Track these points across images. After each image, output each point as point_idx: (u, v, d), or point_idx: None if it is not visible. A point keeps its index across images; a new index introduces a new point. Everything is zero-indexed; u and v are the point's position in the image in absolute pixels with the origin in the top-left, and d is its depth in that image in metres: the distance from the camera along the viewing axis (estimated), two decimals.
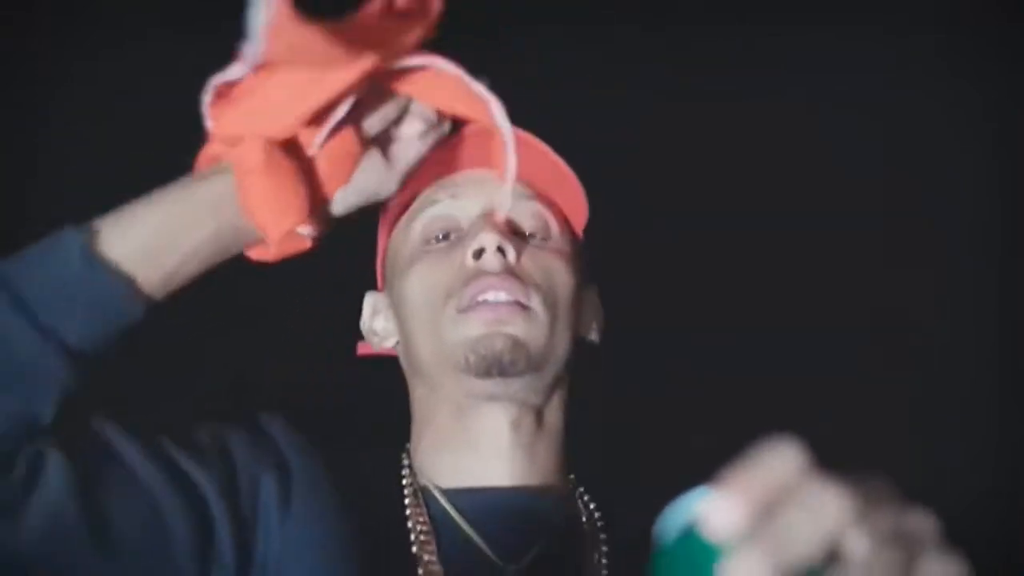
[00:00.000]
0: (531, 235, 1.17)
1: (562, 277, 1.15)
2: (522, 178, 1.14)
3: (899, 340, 1.75)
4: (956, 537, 1.74)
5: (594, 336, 1.23)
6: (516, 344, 1.10)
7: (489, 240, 1.12)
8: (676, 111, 1.80)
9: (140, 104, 1.72)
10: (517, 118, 1.07)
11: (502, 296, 1.11)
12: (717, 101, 1.78)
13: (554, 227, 1.18)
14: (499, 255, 1.12)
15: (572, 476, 1.20)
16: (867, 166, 1.79)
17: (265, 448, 1.11)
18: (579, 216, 1.21)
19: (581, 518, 1.16)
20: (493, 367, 1.09)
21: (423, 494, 1.13)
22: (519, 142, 1.07)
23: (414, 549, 1.08)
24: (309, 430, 1.18)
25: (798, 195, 1.73)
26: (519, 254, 1.13)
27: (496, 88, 1.03)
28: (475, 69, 1.03)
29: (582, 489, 1.19)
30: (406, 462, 1.17)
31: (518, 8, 1.71)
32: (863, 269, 1.77)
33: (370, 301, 1.25)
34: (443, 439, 1.16)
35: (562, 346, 1.14)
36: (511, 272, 1.12)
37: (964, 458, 1.71)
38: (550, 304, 1.13)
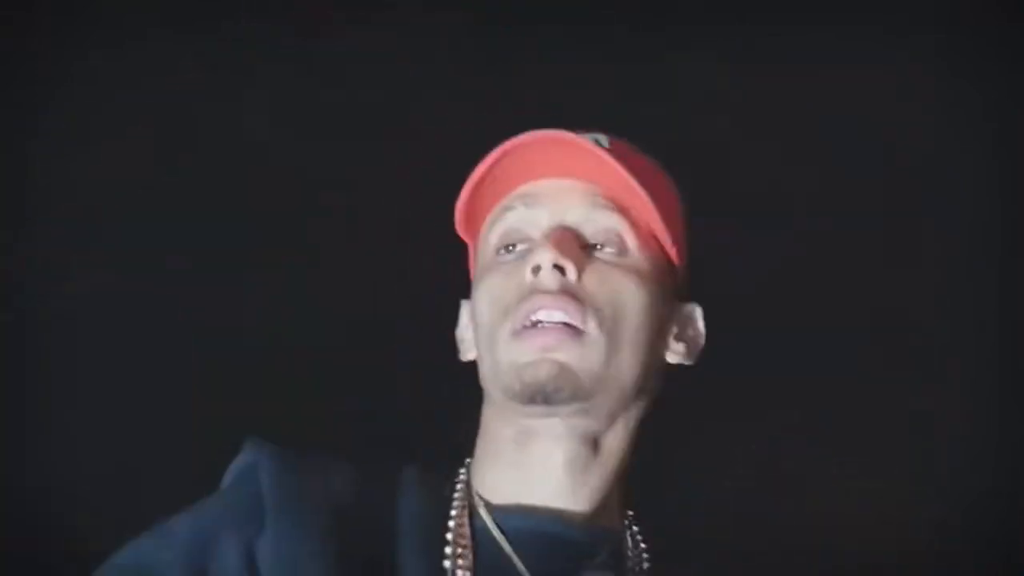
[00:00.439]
0: (602, 248, 1.11)
1: (632, 297, 1.08)
2: (600, 186, 1.10)
3: (899, 340, 1.75)
4: (956, 537, 1.74)
5: (682, 359, 1.14)
6: (563, 371, 1.06)
7: (546, 257, 1.07)
8: (676, 111, 1.80)
9: (140, 104, 1.72)
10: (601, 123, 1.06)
11: (556, 316, 1.07)
12: (716, 101, 1.78)
13: (631, 241, 1.10)
14: (556, 273, 1.08)
15: (631, 513, 1.15)
16: (867, 166, 1.78)
17: (238, 508, 1.08)
18: (667, 230, 1.11)
19: (627, 555, 1.12)
20: (537, 395, 1.06)
21: (472, 509, 1.11)
22: (601, 151, 1.07)
23: (447, 564, 1.06)
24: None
25: (798, 195, 1.73)
26: (582, 271, 1.08)
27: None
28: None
29: (636, 529, 1.14)
30: (463, 475, 1.14)
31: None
32: (863, 269, 1.77)
33: (465, 309, 1.22)
34: (498, 456, 1.13)
35: (627, 372, 1.08)
36: (568, 292, 1.07)
37: (964, 458, 1.71)
38: (611, 326, 1.07)
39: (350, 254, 1.74)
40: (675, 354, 1.13)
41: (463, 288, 1.18)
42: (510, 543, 1.08)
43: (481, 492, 1.11)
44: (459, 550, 1.07)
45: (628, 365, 1.08)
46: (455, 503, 1.11)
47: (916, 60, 1.76)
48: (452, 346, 1.17)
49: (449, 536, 1.08)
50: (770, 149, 1.76)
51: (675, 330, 1.13)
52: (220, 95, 1.73)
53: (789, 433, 1.74)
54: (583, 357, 1.06)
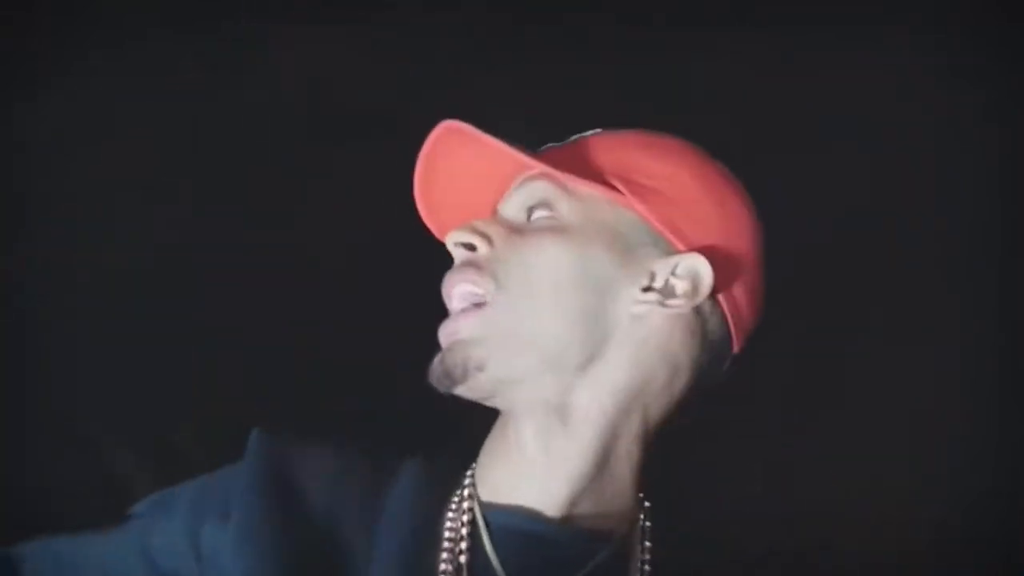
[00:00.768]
0: (533, 218, 1.12)
1: (543, 253, 1.08)
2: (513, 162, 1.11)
3: (899, 340, 1.75)
4: (956, 537, 1.74)
5: (659, 307, 1.08)
6: (465, 345, 1.08)
7: (448, 239, 1.12)
8: (676, 110, 1.80)
9: (139, 104, 1.73)
10: None
11: (457, 291, 1.09)
12: (715, 101, 1.78)
13: (560, 202, 1.10)
14: (460, 249, 1.11)
15: (644, 520, 1.12)
16: (867, 166, 1.79)
17: (212, 497, 1.12)
18: (600, 186, 1.10)
19: (634, 559, 1.10)
20: (444, 380, 1.08)
21: (469, 505, 1.11)
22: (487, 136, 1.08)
23: (441, 556, 1.08)
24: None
25: (799, 194, 1.73)
26: (494, 242, 1.10)
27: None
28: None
29: (648, 524, 1.11)
30: (470, 474, 1.14)
31: None
32: (863, 268, 1.77)
33: None
34: (490, 452, 1.14)
35: (550, 326, 1.06)
36: (468, 262, 1.10)
37: (964, 458, 1.71)
38: (515, 284, 1.07)
39: (352, 254, 1.74)
40: (643, 303, 1.08)
41: None
42: (491, 540, 1.07)
43: (480, 490, 1.11)
44: (447, 544, 1.08)
45: (541, 322, 1.07)
46: (455, 499, 1.11)
47: (916, 59, 1.76)
48: None
49: (446, 532, 1.08)
50: (770, 149, 1.76)
51: (644, 282, 1.08)
52: (221, 95, 1.73)
53: (788, 433, 1.74)
54: (486, 323, 1.07)
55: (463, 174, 1.14)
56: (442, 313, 1.13)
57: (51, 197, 1.69)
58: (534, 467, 1.08)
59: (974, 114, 1.75)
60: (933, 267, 1.76)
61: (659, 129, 1.70)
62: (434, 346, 1.13)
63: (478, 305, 1.08)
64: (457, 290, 1.10)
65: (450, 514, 1.10)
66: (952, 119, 1.74)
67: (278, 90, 1.76)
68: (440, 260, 1.18)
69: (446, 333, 1.09)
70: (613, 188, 1.09)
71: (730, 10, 1.77)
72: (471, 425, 1.15)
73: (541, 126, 1.21)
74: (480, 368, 1.06)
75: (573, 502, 1.08)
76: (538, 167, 1.09)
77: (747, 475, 1.71)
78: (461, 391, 1.08)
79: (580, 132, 1.17)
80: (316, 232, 1.75)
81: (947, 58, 1.76)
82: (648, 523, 1.11)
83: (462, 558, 1.07)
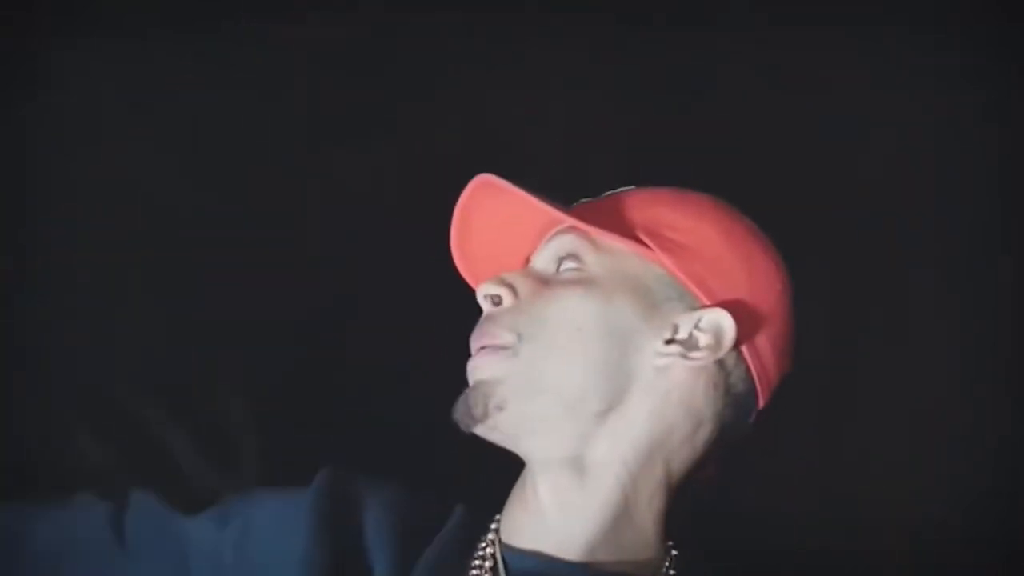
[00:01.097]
0: (561, 269, 1.15)
1: (563, 304, 1.11)
2: (545, 217, 1.15)
3: (899, 339, 1.75)
4: (956, 537, 1.73)
5: (680, 360, 1.10)
6: (483, 384, 1.11)
7: (479, 290, 1.15)
8: (678, 109, 1.80)
9: (139, 103, 1.72)
10: None
11: (478, 342, 1.13)
12: (714, 101, 1.78)
13: (588, 254, 1.13)
14: (487, 302, 1.14)
15: (674, 552, 1.13)
16: (867, 165, 1.79)
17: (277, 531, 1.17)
18: (625, 240, 1.13)
19: None
20: (466, 418, 1.11)
21: (492, 550, 1.14)
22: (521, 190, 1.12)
23: None
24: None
25: (801, 193, 1.73)
26: (519, 292, 1.14)
27: None
28: None
29: (673, 572, 1.12)
30: (497, 517, 1.17)
31: None
32: (863, 268, 1.77)
33: None
34: (513, 494, 1.17)
35: (565, 375, 1.09)
36: (491, 315, 1.13)
37: (964, 458, 1.71)
38: (533, 332, 1.10)
39: (352, 255, 1.74)
40: (666, 356, 1.10)
41: None
42: None
43: (503, 534, 1.14)
44: None
45: (561, 368, 1.09)
46: (482, 544, 1.14)
47: (916, 60, 1.76)
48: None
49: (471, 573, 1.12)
50: (772, 149, 1.77)
51: (667, 334, 1.11)
52: (221, 94, 1.73)
53: (788, 432, 1.74)
54: (509, 365, 1.10)
55: (497, 225, 1.17)
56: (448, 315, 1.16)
57: (51, 197, 1.68)
58: (551, 519, 1.11)
59: (974, 114, 1.75)
60: (933, 267, 1.76)
61: (657, 128, 1.71)
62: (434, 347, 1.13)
63: (503, 347, 1.11)
64: (478, 342, 1.13)
65: (475, 560, 1.12)
66: (952, 119, 1.74)
67: (277, 89, 1.76)
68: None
69: (470, 370, 1.13)
70: (641, 242, 1.12)
71: (728, 9, 1.77)
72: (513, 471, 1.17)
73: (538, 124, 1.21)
74: (500, 408, 1.09)
75: (592, 550, 1.10)
76: (567, 221, 1.13)
77: (743, 474, 1.71)
78: (481, 431, 1.11)
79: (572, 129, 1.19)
80: (317, 232, 1.75)
81: (947, 58, 1.76)
82: (673, 571, 1.13)
83: None
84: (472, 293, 1.19)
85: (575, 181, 1.23)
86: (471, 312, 1.18)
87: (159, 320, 1.68)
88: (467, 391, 1.11)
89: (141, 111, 1.70)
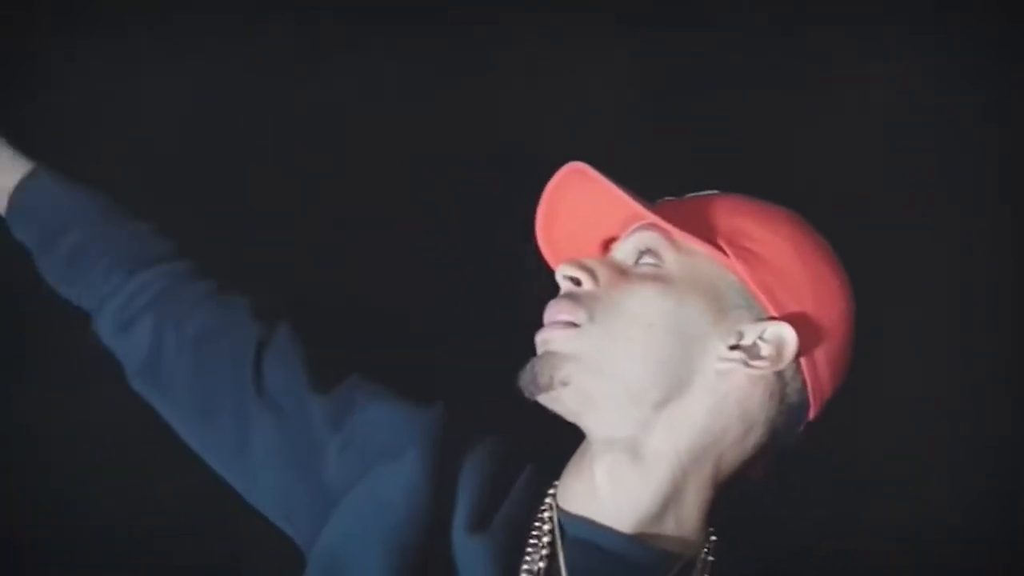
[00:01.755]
0: (640, 262, 1.19)
1: (639, 296, 1.15)
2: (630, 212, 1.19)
3: (900, 338, 1.75)
4: (956, 537, 1.73)
5: (739, 367, 1.14)
6: (550, 355, 1.15)
7: (557, 272, 1.20)
8: (677, 110, 1.80)
9: (140, 103, 1.72)
10: None
11: (552, 316, 1.17)
12: (714, 101, 1.78)
13: (666, 252, 1.17)
14: (567, 282, 1.19)
15: (712, 537, 1.18)
16: (868, 165, 1.79)
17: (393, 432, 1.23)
18: (704, 244, 1.17)
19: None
20: (531, 385, 1.15)
21: (550, 515, 1.19)
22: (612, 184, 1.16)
23: (524, 560, 1.16)
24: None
25: (799, 193, 1.73)
26: (598, 278, 1.18)
27: None
28: None
29: (711, 559, 1.17)
30: (556, 482, 1.22)
31: None
32: (864, 268, 1.76)
33: None
34: (571, 463, 1.22)
35: (628, 364, 1.14)
36: (570, 294, 1.18)
37: (964, 458, 1.71)
38: (605, 318, 1.15)
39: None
40: (728, 361, 1.14)
41: None
42: (565, 549, 1.16)
43: (561, 500, 1.19)
44: (530, 550, 1.16)
45: (628, 357, 1.14)
46: (542, 508, 1.19)
47: (916, 60, 1.76)
48: None
49: (531, 539, 1.17)
50: (774, 148, 1.77)
51: (732, 340, 1.15)
52: (220, 93, 1.73)
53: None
54: (567, 341, 1.15)
55: (580, 211, 1.22)
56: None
57: None
58: (603, 494, 1.16)
59: (974, 114, 1.75)
60: (934, 267, 1.76)
61: (659, 127, 1.71)
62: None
63: (569, 323, 1.16)
64: (553, 316, 1.18)
65: (536, 522, 1.18)
66: (952, 119, 1.75)
67: (276, 88, 1.77)
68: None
69: (540, 341, 1.17)
70: (718, 248, 1.16)
71: (729, 9, 1.77)
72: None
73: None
74: (565, 383, 1.14)
75: (639, 527, 1.16)
76: (653, 219, 1.16)
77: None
78: (544, 400, 1.16)
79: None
80: (318, 232, 1.75)
81: (947, 58, 1.76)
82: (711, 558, 1.17)
83: (540, 564, 1.15)
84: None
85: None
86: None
87: None
88: (534, 360, 1.16)
89: (141, 111, 1.70)
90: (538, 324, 1.18)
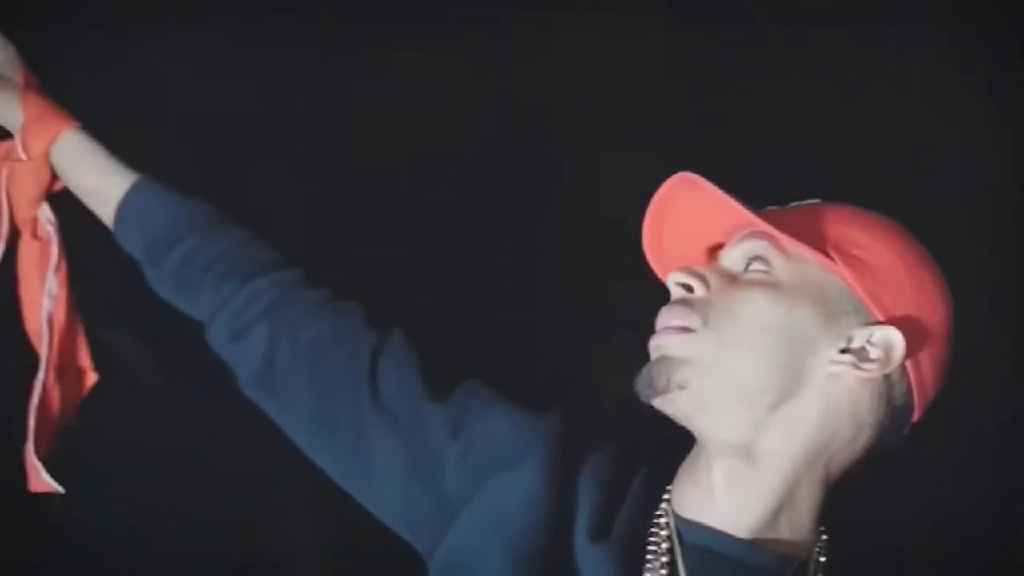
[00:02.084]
0: (749, 269, 1.22)
1: (750, 300, 1.19)
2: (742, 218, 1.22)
3: None
4: (956, 537, 1.72)
5: (850, 371, 1.18)
6: (666, 359, 1.18)
7: (669, 279, 1.22)
8: (677, 110, 1.81)
9: (140, 103, 1.73)
10: None
11: (666, 322, 1.20)
12: (714, 101, 1.78)
13: (776, 259, 1.21)
14: (679, 289, 1.22)
15: (823, 537, 1.22)
16: (869, 165, 1.79)
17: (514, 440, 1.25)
18: (814, 252, 1.20)
19: None
20: (647, 389, 1.18)
21: (667, 521, 1.21)
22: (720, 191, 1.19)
23: (645, 567, 1.19)
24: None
25: (799, 193, 1.73)
26: (710, 285, 1.21)
27: None
28: None
29: (824, 559, 1.21)
30: (670, 488, 1.24)
31: None
32: None
33: None
34: (684, 470, 1.24)
35: (741, 366, 1.17)
36: (683, 300, 1.21)
37: (964, 458, 1.72)
38: (718, 323, 1.18)
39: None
40: (839, 364, 1.18)
41: None
42: (684, 556, 1.19)
43: (675, 506, 1.22)
44: (650, 557, 1.19)
45: (742, 360, 1.17)
46: (657, 513, 1.22)
47: (916, 60, 1.77)
48: None
49: (650, 546, 1.20)
50: (771, 149, 1.77)
51: (842, 344, 1.18)
52: (219, 92, 1.73)
53: None
54: (693, 347, 1.18)
55: (687, 219, 1.25)
56: None
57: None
58: (720, 499, 1.19)
59: (974, 114, 1.76)
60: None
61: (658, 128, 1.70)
62: None
63: (683, 328, 1.19)
64: (666, 322, 1.20)
65: (652, 528, 1.21)
66: (953, 119, 1.75)
67: (275, 86, 1.77)
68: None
69: (654, 346, 1.20)
70: (826, 255, 1.19)
71: (731, 9, 1.77)
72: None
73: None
74: (682, 386, 1.17)
75: (755, 531, 1.19)
76: (765, 227, 1.19)
77: None
78: (660, 404, 1.19)
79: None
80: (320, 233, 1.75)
81: (947, 58, 1.76)
82: (823, 558, 1.21)
83: (662, 572, 1.18)
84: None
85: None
86: None
87: (160, 320, 1.68)
88: (650, 364, 1.19)
89: (141, 110, 1.70)
90: (643, 327, 1.20)
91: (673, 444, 1.24)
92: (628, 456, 1.27)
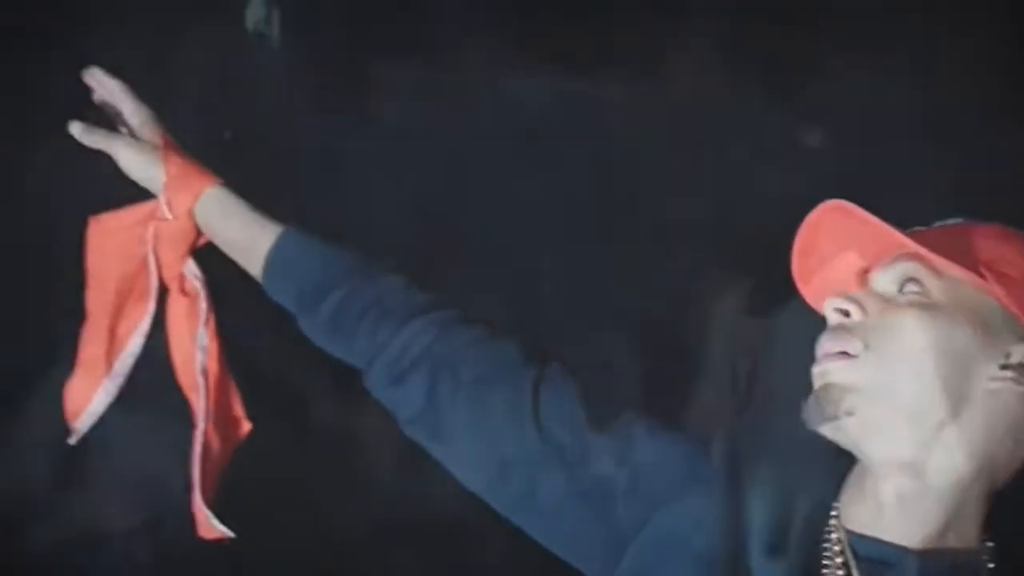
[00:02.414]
0: (904, 291, 1.26)
1: (908, 321, 1.22)
2: (893, 243, 1.26)
3: None
4: None
5: (1009, 386, 1.23)
6: (830, 387, 1.22)
7: (827, 305, 1.26)
8: (678, 110, 1.81)
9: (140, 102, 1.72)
10: None
11: (826, 349, 1.24)
12: (725, 103, 1.79)
13: (929, 280, 1.24)
14: (837, 315, 1.25)
15: (989, 544, 1.28)
16: (868, 165, 1.79)
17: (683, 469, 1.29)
18: (967, 272, 1.23)
19: None
20: (815, 417, 1.22)
21: (839, 536, 1.26)
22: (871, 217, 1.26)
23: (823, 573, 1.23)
24: None
25: (800, 193, 1.74)
26: (867, 309, 1.25)
27: None
28: None
29: (992, 565, 1.26)
30: (837, 504, 1.30)
31: None
32: None
33: None
34: (848, 489, 1.29)
35: (905, 385, 1.21)
36: (841, 326, 1.24)
37: None
38: (878, 344, 1.22)
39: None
40: (999, 380, 1.23)
41: None
42: (858, 568, 1.23)
43: (844, 520, 1.27)
44: (825, 572, 1.23)
45: (906, 382, 1.22)
46: (827, 529, 1.27)
47: (916, 60, 1.77)
48: None
49: (824, 561, 1.24)
50: (772, 149, 1.77)
51: (1000, 360, 1.23)
52: (217, 91, 1.74)
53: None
54: (847, 371, 1.22)
55: (832, 247, 1.30)
56: None
57: (51, 195, 1.69)
58: (889, 514, 1.24)
59: (974, 113, 1.76)
60: None
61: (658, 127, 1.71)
62: None
63: (844, 354, 1.23)
64: (827, 349, 1.25)
65: (824, 544, 1.25)
66: (953, 118, 1.75)
67: (274, 84, 1.77)
68: None
69: (818, 373, 1.25)
70: (978, 274, 1.23)
71: (735, 9, 1.78)
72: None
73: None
74: (850, 413, 1.22)
75: (926, 543, 1.24)
76: (919, 250, 1.24)
77: None
78: (828, 431, 1.24)
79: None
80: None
81: (947, 58, 1.77)
82: (991, 564, 1.27)
83: None
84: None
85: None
86: None
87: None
88: (817, 391, 1.23)
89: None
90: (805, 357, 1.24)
91: (831, 462, 1.27)
92: (785, 474, 1.30)
